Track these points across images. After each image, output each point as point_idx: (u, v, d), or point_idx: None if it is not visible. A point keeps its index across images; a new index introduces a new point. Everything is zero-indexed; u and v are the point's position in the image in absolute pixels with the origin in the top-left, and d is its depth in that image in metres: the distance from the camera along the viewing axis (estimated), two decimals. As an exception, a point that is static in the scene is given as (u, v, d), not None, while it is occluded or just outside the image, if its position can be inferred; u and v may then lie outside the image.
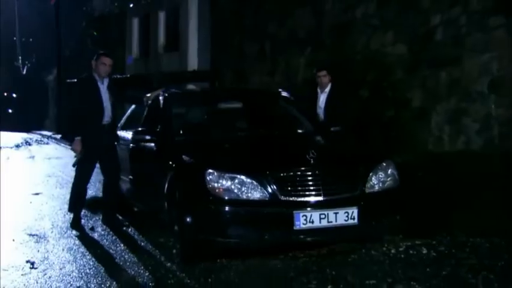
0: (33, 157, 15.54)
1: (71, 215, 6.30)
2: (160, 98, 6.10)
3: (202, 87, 13.87)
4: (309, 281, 4.17)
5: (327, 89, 7.09)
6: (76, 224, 6.16)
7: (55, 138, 25.01)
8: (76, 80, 6.49)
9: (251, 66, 13.76)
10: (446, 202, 6.16)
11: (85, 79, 6.21)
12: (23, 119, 39.39)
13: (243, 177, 4.50)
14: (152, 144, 5.65)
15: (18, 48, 43.32)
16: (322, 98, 7.10)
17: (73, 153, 6.25)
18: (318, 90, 7.16)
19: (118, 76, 18.22)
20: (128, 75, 17.82)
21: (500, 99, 7.63)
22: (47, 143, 22.71)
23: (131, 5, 19.30)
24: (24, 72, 44.56)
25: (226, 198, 4.48)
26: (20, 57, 44.80)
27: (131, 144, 6.11)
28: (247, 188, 4.48)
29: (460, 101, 8.17)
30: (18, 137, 25.31)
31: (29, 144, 21.26)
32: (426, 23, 9.04)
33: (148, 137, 5.61)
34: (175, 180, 4.91)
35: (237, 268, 4.54)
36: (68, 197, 7.65)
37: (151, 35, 18.20)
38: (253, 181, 4.49)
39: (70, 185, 8.80)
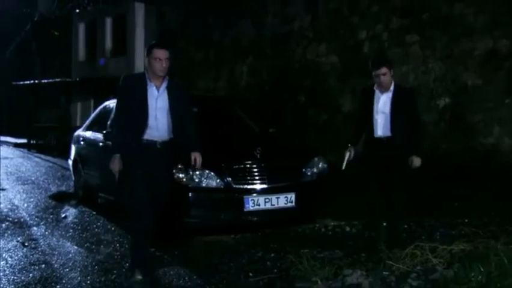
0: (-18, 158, 15.70)
1: (42, 205, 6.85)
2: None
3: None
4: (256, 251, 5.16)
5: (392, 88, 5.18)
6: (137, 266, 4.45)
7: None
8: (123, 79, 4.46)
9: (197, 72, 14.60)
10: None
11: (131, 78, 4.62)
12: None
13: (203, 169, 5.47)
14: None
15: None
16: (384, 100, 5.16)
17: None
18: (377, 91, 5.20)
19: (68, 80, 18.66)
20: (77, 79, 18.31)
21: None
22: (-10, 145, 22.63)
23: (77, 11, 19.72)
24: None
25: (190, 186, 5.47)
26: None
27: (100, 143, 6.94)
28: (206, 178, 5.51)
29: (384, 106, 9.40)
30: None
31: (-28, 146, 21.22)
32: (354, 37, 10.27)
33: (117, 137, 6.49)
34: (145, 172, 5.81)
35: (198, 244, 5.52)
36: (32, 192, 8.40)
37: (98, 40, 18.60)
38: (212, 172, 5.52)
39: (31, 182, 9.52)
